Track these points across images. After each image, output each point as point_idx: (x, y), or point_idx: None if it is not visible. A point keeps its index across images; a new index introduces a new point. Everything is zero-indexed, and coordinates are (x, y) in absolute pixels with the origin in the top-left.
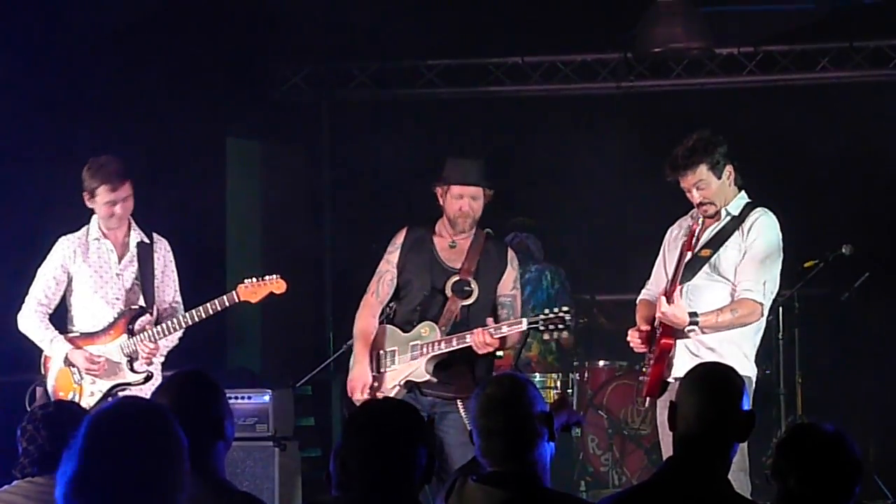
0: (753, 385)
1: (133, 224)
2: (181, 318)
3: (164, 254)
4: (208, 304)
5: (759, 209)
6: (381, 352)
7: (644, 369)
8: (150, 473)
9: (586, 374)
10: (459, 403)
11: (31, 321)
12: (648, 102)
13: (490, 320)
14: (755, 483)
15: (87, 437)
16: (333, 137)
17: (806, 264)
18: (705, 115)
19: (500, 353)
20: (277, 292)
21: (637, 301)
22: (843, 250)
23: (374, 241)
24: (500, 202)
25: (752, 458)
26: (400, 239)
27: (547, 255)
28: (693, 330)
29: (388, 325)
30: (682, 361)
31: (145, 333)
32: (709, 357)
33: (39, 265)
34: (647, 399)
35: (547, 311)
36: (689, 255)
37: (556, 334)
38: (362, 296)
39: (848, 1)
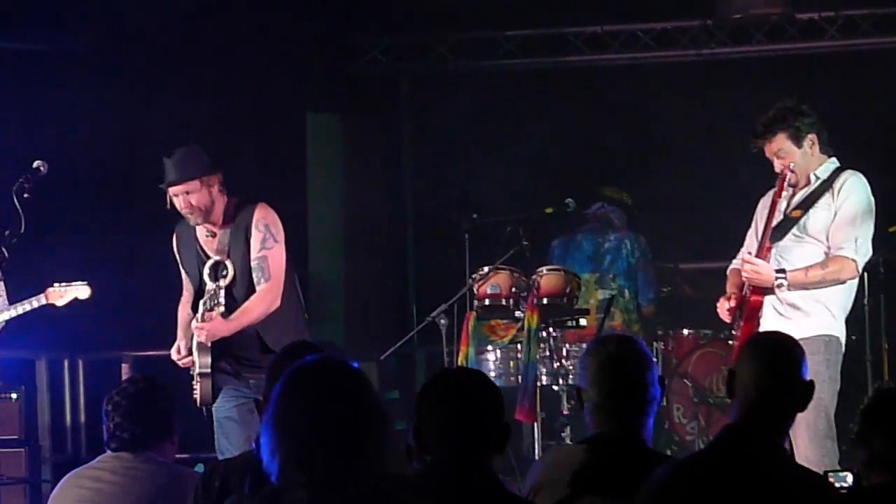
0: (843, 346)
1: None
2: None
3: None
4: (20, 304)
5: (848, 171)
6: None
7: (734, 332)
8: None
9: (671, 343)
10: (250, 380)
11: None
12: (729, 69)
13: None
14: (842, 450)
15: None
16: (413, 110)
17: (891, 229)
18: (787, 81)
19: (583, 321)
20: (81, 297)
21: (728, 271)
22: None
23: (454, 213)
24: (582, 172)
25: (839, 424)
26: (173, 244)
27: (629, 224)
28: (781, 286)
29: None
30: (769, 321)
31: None
32: (795, 316)
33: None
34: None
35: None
36: (776, 217)
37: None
38: (445, 268)
39: None
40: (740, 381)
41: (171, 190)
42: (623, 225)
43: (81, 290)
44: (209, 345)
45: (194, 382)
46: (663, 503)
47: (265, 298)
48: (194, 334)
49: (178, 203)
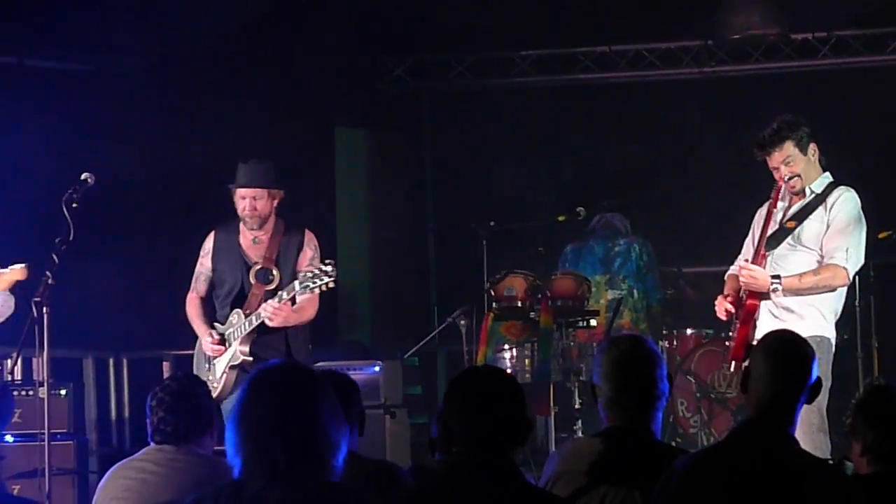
0: (833, 347)
1: None
2: None
3: None
4: None
5: (841, 187)
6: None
7: (731, 333)
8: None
9: (675, 342)
10: None
11: None
12: (729, 86)
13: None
14: (835, 441)
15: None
16: (434, 125)
17: (880, 235)
18: (783, 97)
19: (593, 322)
20: (20, 278)
21: (725, 276)
22: None
23: (473, 222)
24: (592, 182)
25: (831, 417)
26: (209, 243)
27: (634, 230)
28: (776, 290)
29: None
30: (765, 324)
31: None
32: (789, 319)
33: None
34: (733, 363)
35: (312, 268)
36: (772, 227)
37: (323, 287)
38: (464, 273)
39: None
40: (755, 378)
41: (241, 192)
42: (629, 231)
43: (18, 273)
44: (254, 336)
45: (213, 375)
46: (686, 491)
47: (314, 303)
48: (239, 323)
49: (243, 205)
